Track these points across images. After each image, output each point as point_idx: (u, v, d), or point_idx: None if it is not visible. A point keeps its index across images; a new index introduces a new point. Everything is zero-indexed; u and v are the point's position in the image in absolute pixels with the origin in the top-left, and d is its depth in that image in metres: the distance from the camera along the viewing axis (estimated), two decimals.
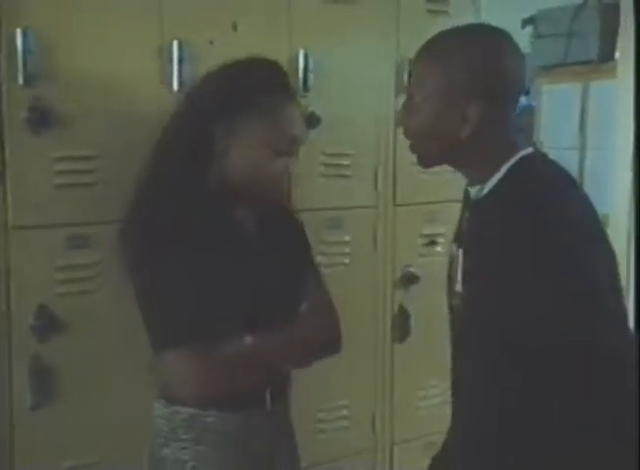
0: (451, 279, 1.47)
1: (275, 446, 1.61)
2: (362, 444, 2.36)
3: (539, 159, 1.41)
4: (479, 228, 1.38)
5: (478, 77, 1.33)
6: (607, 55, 2.79)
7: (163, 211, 1.47)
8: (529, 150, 1.39)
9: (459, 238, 1.47)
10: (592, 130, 3.02)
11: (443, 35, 1.43)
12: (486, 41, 1.38)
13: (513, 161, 1.36)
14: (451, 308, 1.49)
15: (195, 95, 1.56)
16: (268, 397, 1.56)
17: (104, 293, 1.78)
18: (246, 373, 1.49)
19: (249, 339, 1.47)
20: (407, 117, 1.41)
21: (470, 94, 1.33)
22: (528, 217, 1.27)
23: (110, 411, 1.80)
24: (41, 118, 1.69)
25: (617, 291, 1.32)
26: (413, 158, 2.32)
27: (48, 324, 1.73)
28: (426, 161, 1.45)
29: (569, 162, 2.76)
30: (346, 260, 2.27)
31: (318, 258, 2.16)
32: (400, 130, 2.26)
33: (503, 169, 1.36)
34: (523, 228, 1.27)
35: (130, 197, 1.52)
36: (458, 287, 1.42)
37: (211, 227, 1.50)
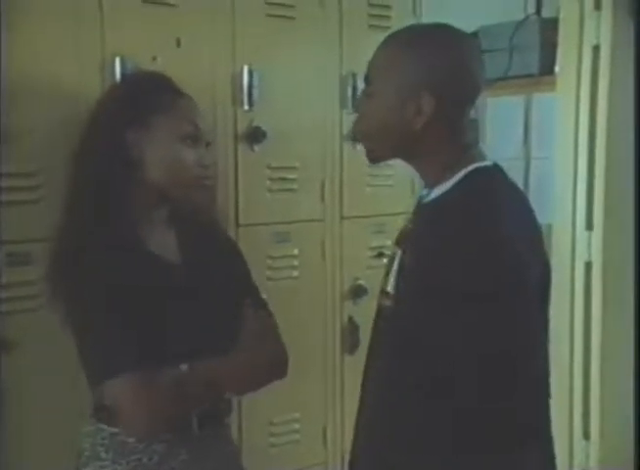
0: (385, 280, 1.46)
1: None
2: (314, 457, 2.36)
3: (495, 173, 1.40)
4: (422, 229, 1.39)
5: (437, 71, 1.34)
6: (547, 68, 2.84)
7: (90, 245, 1.46)
8: (487, 163, 1.39)
9: (399, 239, 1.47)
10: (535, 141, 3.08)
11: (411, 28, 1.45)
12: (452, 39, 1.38)
13: (469, 168, 1.36)
14: (378, 308, 1.49)
15: (99, 112, 1.55)
16: (195, 422, 1.53)
17: (47, 310, 1.75)
18: (182, 401, 1.46)
19: (184, 367, 1.45)
20: (364, 103, 1.41)
21: (427, 86, 1.33)
22: (471, 229, 1.28)
23: (57, 430, 1.77)
24: None
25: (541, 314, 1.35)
26: (360, 171, 2.38)
27: None
28: (375, 153, 1.43)
29: (514, 172, 2.81)
30: (295, 274, 2.28)
31: (267, 273, 2.17)
32: (348, 144, 2.33)
33: (458, 176, 1.36)
34: (463, 238, 1.27)
35: (57, 233, 1.51)
36: (390, 287, 1.42)
37: (136, 258, 1.49)
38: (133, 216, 1.52)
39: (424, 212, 1.41)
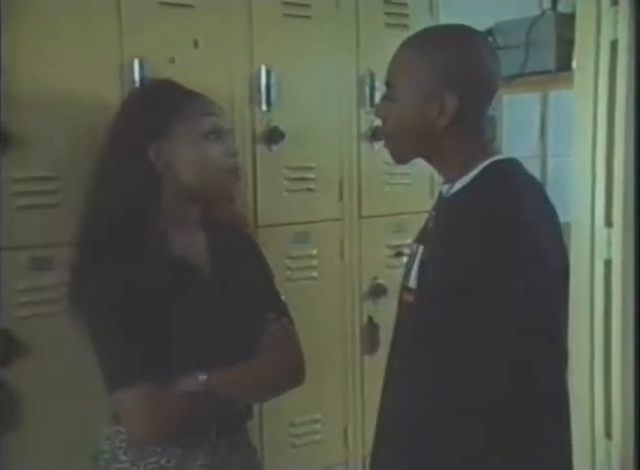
0: (406, 277, 1.48)
1: None
2: (334, 457, 2.36)
3: (514, 164, 1.44)
4: (444, 223, 1.41)
5: (456, 70, 1.38)
6: (564, 65, 2.83)
7: (113, 257, 1.47)
8: (505, 156, 1.43)
9: (421, 235, 1.48)
10: (552, 138, 3.06)
11: (427, 30, 1.49)
12: (467, 39, 1.43)
13: (488, 162, 1.40)
14: (400, 304, 1.50)
15: (116, 129, 1.55)
16: (214, 429, 1.54)
17: (67, 314, 1.75)
18: (199, 410, 1.48)
19: (202, 376, 1.46)
20: (386, 108, 1.43)
21: (448, 85, 1.36)
22: (491, 219, 1.31)
23: (76, 435, 1.77)
24: None
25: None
26: (378, 169, 2.38)
27: (10, 348, 1.70)
28: (400, 154, 1.47)
29: (531, 170, 2.79)
30: (314, 274, 2.28)
31: (286, 273, 2.17)
32: (365, 143, 2.33)
33: (477, 169, 1.39)
34: (484, 228, 1.30)
35: (77, 243, 1.53)
36: (412, 283, 1.42)
37: (161, 268, 1.50)
38: (161, 221, 1.53)
39: (445, 207, 1.43)
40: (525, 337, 1.27)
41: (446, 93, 1.36)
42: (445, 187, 1.44)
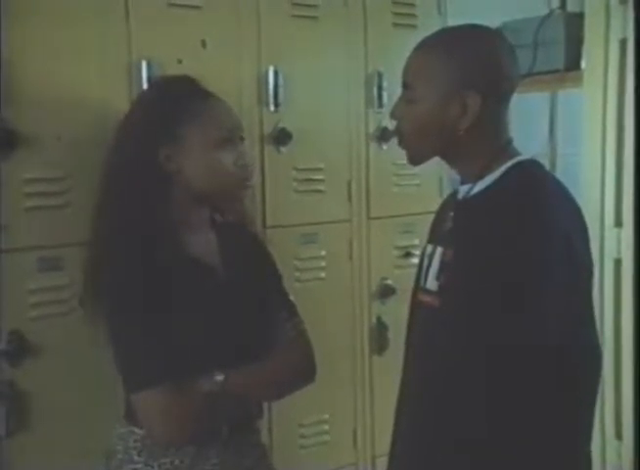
0: (420, 278, 1.47)
1: None
2: (344, 458, 2.35)
3: (537, 165, 1.42)
4: (467, 225, 1.39)
5: (478, 70, 1.36)
6: (573, 64, 2.81)
7: (130, 258, 1.47)
8: (527, 156, 1.41)
9: (437, 236, 1.47)
10: (561, 138, 3.05)
11: (444, 31, 1.49)
12: (487, 38, 1.42)
13: (510, 163, 1.38)
14: (416, 306, 1.49)
15: (129, 130, 1.55)
16: (225, 428, 1.54)
17: (77, 315, 1.75)
18: (214, 412, 1.48)
19: (219, 376, 1.47)
20: (404, 109, 1.41)
21: (470, 85, 1.34)
22: (515, 222, 1.29)
23: (85, 435, 1.78)
24: (7, 141, 1.68)
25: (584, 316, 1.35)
26: (386, 170, 2.38)
27: (20, 349, 1.71)
28: (418, 155, 1.45)
29: None
30: (323, 275, 2.27)
31: (294, 274, 2.17)
32: (372, 145, 2.33)
33: (500, 170, 1.37)
34: (509, 232, 1.28)
35: (92, 245, 1.53)
36: (431, 285, 1.42)
37: (178, 268, 1.50)
38: (172, 222, 1.53)
39: (466, 208, 1.41)
40: (558, 336, 1.26)
41: (469, 93, 1.34)
42: (464, 188, 1.42)
